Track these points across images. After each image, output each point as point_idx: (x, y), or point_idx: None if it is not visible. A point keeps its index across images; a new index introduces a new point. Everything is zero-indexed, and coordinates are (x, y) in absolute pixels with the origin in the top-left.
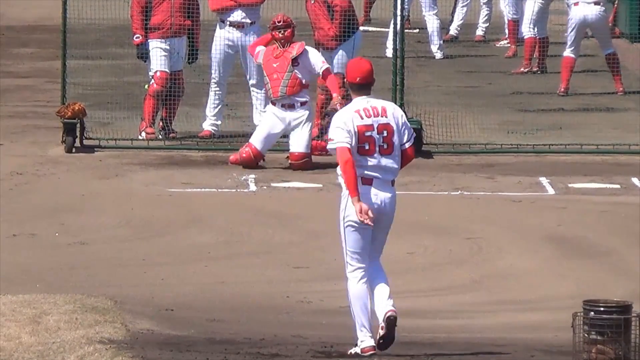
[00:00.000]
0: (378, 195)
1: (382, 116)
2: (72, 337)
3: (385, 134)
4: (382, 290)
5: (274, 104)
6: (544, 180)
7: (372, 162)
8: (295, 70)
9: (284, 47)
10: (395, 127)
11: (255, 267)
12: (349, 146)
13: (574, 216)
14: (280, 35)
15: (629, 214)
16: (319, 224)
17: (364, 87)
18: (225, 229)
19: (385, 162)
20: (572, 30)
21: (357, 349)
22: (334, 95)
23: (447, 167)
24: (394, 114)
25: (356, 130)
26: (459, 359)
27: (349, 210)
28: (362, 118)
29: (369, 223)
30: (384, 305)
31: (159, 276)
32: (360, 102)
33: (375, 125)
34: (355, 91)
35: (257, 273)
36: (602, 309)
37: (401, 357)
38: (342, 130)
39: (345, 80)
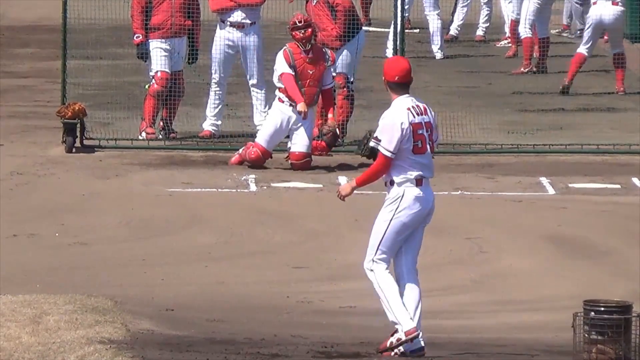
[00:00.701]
0: (427, 195)
1: (425, 114)
2: (72, 337)
3: (429, 132)
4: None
5: (281, 101)
6: (544, 180)
7: (424, 161)
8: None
9: (304, 47)
10: (434, 126)
11: (255, 267)
12: (393, 157)
13: (574, 216)
14: (301, 35)
15: (629, 214)
16: (319, 224)
17: (403, 86)
18: (225, 229)
19: (430, 160)
20: (588, 28)
21: (399, 335)
22: (330, 116)
23: (448, 167)
24: (431, 114)
25: (411, 128)
26: (459, 359)
27: (403, 211)
28: (414, 116)
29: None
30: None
31: (159, 276)
32: (406, 101)
33: (423, 123)
34: (394, 90)
35: (257, 273)
36: (602, 309)
37: (401, 358)
38: (392, 133)
39: (383, 79)
